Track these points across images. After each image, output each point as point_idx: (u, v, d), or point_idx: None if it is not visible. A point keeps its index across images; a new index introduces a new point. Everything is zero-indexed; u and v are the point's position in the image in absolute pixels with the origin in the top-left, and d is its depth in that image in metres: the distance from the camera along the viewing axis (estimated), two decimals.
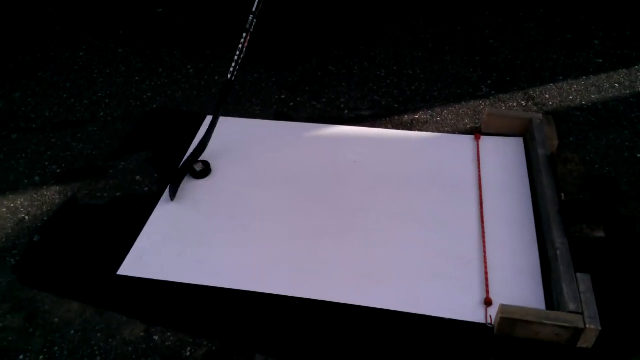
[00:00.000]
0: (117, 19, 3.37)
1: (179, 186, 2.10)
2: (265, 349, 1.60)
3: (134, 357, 1.60)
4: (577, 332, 1.52)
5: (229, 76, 2.07)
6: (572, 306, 1.55)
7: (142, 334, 1.66)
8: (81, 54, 3.06)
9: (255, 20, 2.03)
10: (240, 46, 2.04)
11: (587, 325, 1.51)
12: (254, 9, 2.03)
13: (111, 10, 3.47)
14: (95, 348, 1.63)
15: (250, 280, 1.78)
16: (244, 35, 2.06)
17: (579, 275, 1.64)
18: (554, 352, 1.57)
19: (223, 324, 1.68)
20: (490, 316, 1.63)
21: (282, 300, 1.72)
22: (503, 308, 1.56)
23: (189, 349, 1.61)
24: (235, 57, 2.06)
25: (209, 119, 2.50)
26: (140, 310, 1.72)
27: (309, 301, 1.71)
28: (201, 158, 2.20)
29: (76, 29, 3.28)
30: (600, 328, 1.50)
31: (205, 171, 2.17)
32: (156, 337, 1.65)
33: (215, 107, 2.19)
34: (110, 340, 1.65)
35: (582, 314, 1.53)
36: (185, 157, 2.21)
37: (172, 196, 2.06)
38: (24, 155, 2.36)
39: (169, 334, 1.65)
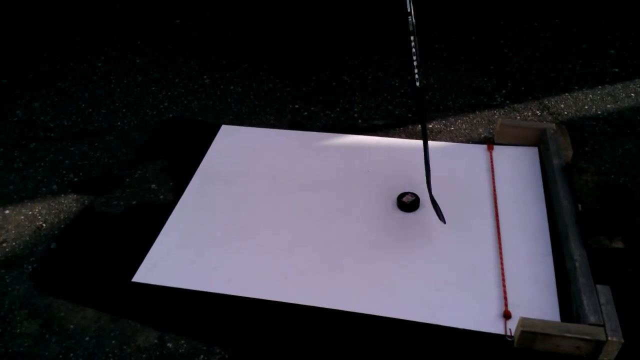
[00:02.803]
0: (135, 30, 3.42)
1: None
2: (279, 358, 1.60)
3: None
4: (599, 345, 1.50)
5: (417, 83, 2.02)
6: (593, 318, 1.53)
7: (155, 341, 1.67)
8: (99, 64, 3.11)
9: (414, 20, 1.98)
10: (413, 50, 2.00)
11: (609, 338, 1.48)
12: (408, 10, 1.99)
13: (129, 21, 3.53)
14: (110, 355, 1.64)
15: (264, 289, 1.78)
16: (412, 38, 2.01)
17: (598, 287, 1.61)
18: None
19: (236, 331, 1.68)
20: (510, 329, 1.61)
21: (296, 309, 1.72)
22: (524, 321, 1.54)
23: (202, 356, 1.62)
24: (415, 63, 2.01)
25: (224, 128, 2.53)
26: (154, 318, 1.73)
27: (323, 310, 1.71)
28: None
29: (95, 40, 3.34)
30: (622, 340, 1.48)
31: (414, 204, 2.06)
32: (170, 345, 1.65)
33: (418, 115, 2.05)
34: (125, 347, 1.66)
35: (603, 326, 1.51)
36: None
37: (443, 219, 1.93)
38: (42, 164, 2.39)
39: (182, 341, 1.66)
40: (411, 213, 2.03)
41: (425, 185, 1.96)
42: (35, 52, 3.23)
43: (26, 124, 2.65)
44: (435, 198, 1.97)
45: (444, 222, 1.90)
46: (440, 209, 1.92)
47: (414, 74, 1.97)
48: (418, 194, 2.06)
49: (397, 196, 2.07)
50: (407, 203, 2.04)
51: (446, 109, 2.59)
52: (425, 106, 2.00)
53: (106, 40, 3.33)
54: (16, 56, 3.21)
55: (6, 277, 1.89)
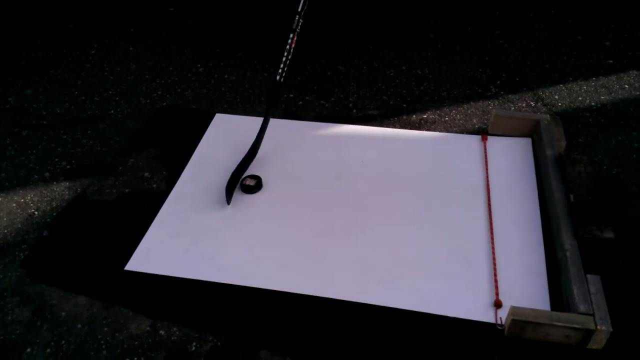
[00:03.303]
0: (129, 18, 3.39)
1: (233, 191, 2.06)
2: (271, 345, 1.61)
3: (139, 351, 1.61)
4: (588, 334, 1.51)
5: (278, 77, 2.05)
6: (582, 307, 1.54)
7: (148, 328, 1.67)
8: (92, 51, 3.09)
9: (301, 20, 2.02)
10: (288, 47, 2.03)
11: (598, 327, 1.50)
12: (299, 9, 2.02)
13: (122, 8, 3.50)
14: (102, 342, 1.64)
15: (257, 277, 1.78)
16: (291, 35, 2.04)
17: (589, 276, 1.62)
18: (561, 353, 1.56)
19: (229, 319, 1.69)
20: (500, 318, 1.62)
21: (289, 297, 1.73)
22: (514, 310, 1.55)
23: (194, 344, 1.62)
24: (283, 59, 2.05)
25: (218, 117, 2.52)
26: (146, 305, 1.73)
27: (316, 298, 1.72)
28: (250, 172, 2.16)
29: (88, 27, 3.31)
30: (611, 329, 1.49)
31: (258, 186, 2.11)
32: (162, 332, 1.66)
33: (265, 109, 2.18)
34: (117, 334, 1.66)
35: (592, 315, 1.52)
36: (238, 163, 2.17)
37: (228, 201, 2.03)
38: (34, 152, 2.38)
39: (174, 328, 1.66)
40: (404, 202, 2.03)
41: None
42: (28, 39, 3.20)
43: (18, 112, 2.63)
44: (431, 187, 1.98)
45: (228, 203, 2.01)
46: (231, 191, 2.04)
47: (279, 68, 2.08)
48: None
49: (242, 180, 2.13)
50: (251, 186, 2.10)
51: (441, 100, 2.59)
52: (275, 101, 2.17)
53: (99, 28, 3.30)
54: (8, 43, 3.18)
55: None
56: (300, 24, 2.02)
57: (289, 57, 2.05)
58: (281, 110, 2.57)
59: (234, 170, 2.12)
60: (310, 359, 1.58)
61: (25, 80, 2.86)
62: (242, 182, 2.10)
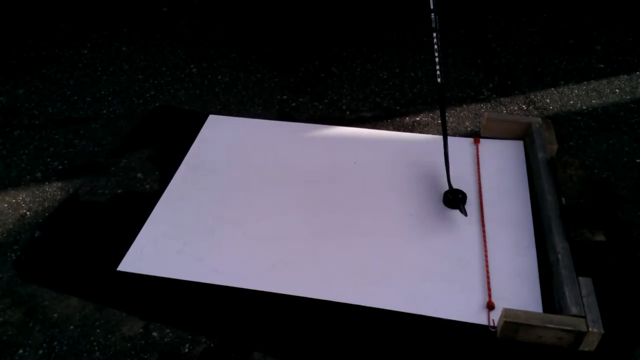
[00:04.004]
0: (122, 17, 3.38)
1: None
2: (264, 347, 1.61)
3: (132, 353, 1.60)
4: (580, 336, 1.53)
5: (439, 80, 2.03)
6: (574, 310, 1.55)
7: (141, 330, 1.66)
8: (85, 51, 3.07)
9: (437, 17, 2.00)
10: (436, 47, 2.01)
11: (590, 329, 1.51)
12: (431, 7, 2.00)
13: (115, 8, 3.49)
14: (95, 343, 1.63)
15: (250, 279, 1.78)
16: (434, 35, 2.02)
17: (580, 279, 1.64)
18: (553, 355, 1.57)
19: (222, 321, 1.68)
20: (493, 320, 1.63)
21: (282, 299, 1.73)
22: (507, 312, 1.56)
23: (187, 345, 1.62)
24: (437, 60, 2.02)
25: (211, 118, 2.52)
26: (139, 307, 1.73)
27: (309, 300, 1.72)
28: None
29: (80, 27, 3.30)
30: (602, 331, 1.51)
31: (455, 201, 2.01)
32: (155, 334, 1.65)
33: (440, 114, 2.08)
34: (109, 336, 1.65)
35: (584, 317, 1.54)
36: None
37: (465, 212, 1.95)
38: (26, 152, 2.37)
39: (167, 330, 1.66)
40: (396, 205, 2.04)
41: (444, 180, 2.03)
42: (20, 38, 3.18)
43: (10, 111, 2.61)
44: (424, 189, 1.99)
45: (465, 214, 1.93)
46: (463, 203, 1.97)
47: (436, 70, 2.01)
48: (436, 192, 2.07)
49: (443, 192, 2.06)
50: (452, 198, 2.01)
51: (434, 102, 2.60)
52: (444, 102, 2.05)
53: (92, 27, 3.29)
54: (0, 42, 3.15)
55: None
56: (437, 21, 1.99)
57: (440, 55, 2.02)
58: (274, 112, 2.57)
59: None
60: None
61: (17, 79, 2.84)
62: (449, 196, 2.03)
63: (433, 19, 1.98)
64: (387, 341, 1.62)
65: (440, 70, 2.03)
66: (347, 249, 1.88)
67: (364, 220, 1.98)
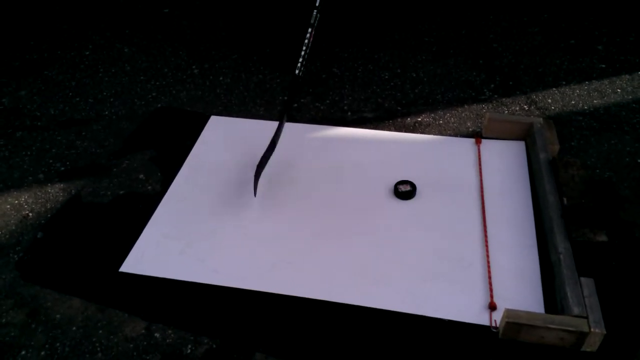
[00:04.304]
0: (123, 19, 3.39)
1: (257, 183, 2.06)
2: (266, 348, 1.61)
3: (134, 354, 1.61)
4: (582, 336, 1.52)
5: (297, 72, 2.05)
6: (576, 310, 1.55)
7: (143, 331, 1.67)
8: (87, 52, 3.08)
9: (318, 15, 2.02)
10: (306, 41, 2.03)
11: (592, 329, 1.51)
12: (317, 4, 2.02)
13: (117, 9, 3.49)
14: (97, 344, 1.64)
15: (252, 279, 1.79)
16: (309, 30, 2.04)
17: (582, 279, 1.64)
18: (555, 355, 1.57)
19: (224, 322, 1.69)
20: (495, 320, 1.63)
21: (284, 300, 1.73)
22: (509, 312, 1.56)
23: (189, 346, 1.62)
24: (302, 53, 2.04)
25: (213, 119, 2.52)
26: (141, 308, 1.73)
27: (311, 301, 1.72)
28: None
29: (82, 28, 3.30)
30: (604, 332, 1.51)
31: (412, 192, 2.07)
32: (157, 335, 1.65)
33: (284, 103, 2.15)
34: (112, 337, 1.65)
35: (586, 317, 1.54)
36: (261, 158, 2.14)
37: (255, 192, 2.04)
38: (28, 153, 2.37)
39: (170, 331, 1.66)
40: (398, 205, 2.04)
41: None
42: (22, 40, 3.19)
43: (12, 113, 2.62)
44: (425, 189, 1.99)
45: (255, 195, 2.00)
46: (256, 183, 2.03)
47: (298, 62, 2.08)
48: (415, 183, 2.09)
49: (394, 184, 2.10)
50: (403, 192, 2.06)
51: (435, 103, 2.60)
52: (294, 95, 2.17)
53: (94, 29, 3.30)
54: (2, 44, 3.16)
55: None
56: (317, 18, 2.02)
57: (308, 51, 2.05)
58: (276, 112, 2.57)
59: (258, 164, 2.09)
60: None
61: (20, 81, 2.84)
62: (397, 187, 2.08)
63: (314, 15, 2.04)
64: (389, 342, 1.62)
65: (302, 64, 2.08)
66: (348, 250, 1.88)
67: (365, 221, 1.98)
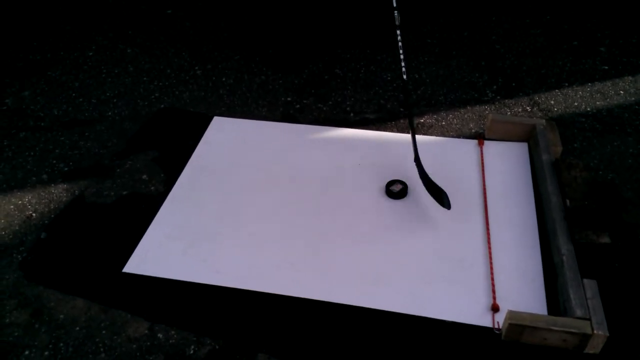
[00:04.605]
0: (127, 20, 3.39)
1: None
2: (268, 349, 1.61)
3: (137, 354, 1.61)
4: (585, 338, 1.52)
5: (404, 77, 2.05)
6: (579, 312, 1.55)
7: (146, 331, 1.67)
8: (90, 53, 3.08)
9: (399, 15, 2.02)
10: (400, 44, 2.02)
11: (595, 331, 1.51)
12: (394, 5, 2.01)
13: (120, 10, 3.50)
14: (100, 345, 1.64)
15: (254, 280, 1.79)
16: (398, 32, 2.03)
17: (585, 281, 1.64)
18: (558, 357, 1.57)
19: (227, 323, 1.69)
20: (498, 322, 1.63)
21: (286, 301, 1.73)
22: (511, 314, 1.56)
23: (192, 347, 1.62)
24: (401, 57, 2.03)
25: (216, 120, 2.52)
26: (144, 308, 1.73)
27: (313, 302, 1.72)
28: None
29: (86, 29, 3.31)
30: (607, 334, 1.51)
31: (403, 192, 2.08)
32: (160, 335, 1.66)
33: (406, 110, 2.10)
34: (115, 337, 1.66)
35: (589, 319, 1.54)
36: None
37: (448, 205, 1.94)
38: (32, 153, 2.38)
39: (172, 332, 1.67)
40: (401, 205, 2.04)
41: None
42: (25, 41, 3.20)
43: (16, 113, 2.62)
44: (425, 190, 1.99)
45: (449, 207, 1.92)
46: (442, 194, 1.95)
47: (402, 67, 2.03)
48: (407, 183, 2.09)
49: (385, 184, 2.11)
50: (395, 192, 2.06)
51: (438, 104, 2.61)
52: (412, 98, 2.05)
53: (97, 30, 3.30)
54: (6, 44, 3.17)
55: None
56: (399, 18, 2.01)
57: (403, 52, 2.04)
58: (279, 113, 2.58)
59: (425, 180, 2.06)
60: None
61: (23, 81, 2.85)
62: (388, 187, 2.09)
63: (396, 17, 2.01)
64: (391, 343, 1.62)
65: (405, 67, 2.04)
66: (351, 251, 1.88)
67: (367, 222, 1.99)
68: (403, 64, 2.04)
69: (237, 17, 3.40)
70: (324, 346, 1.62)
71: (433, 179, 2.02)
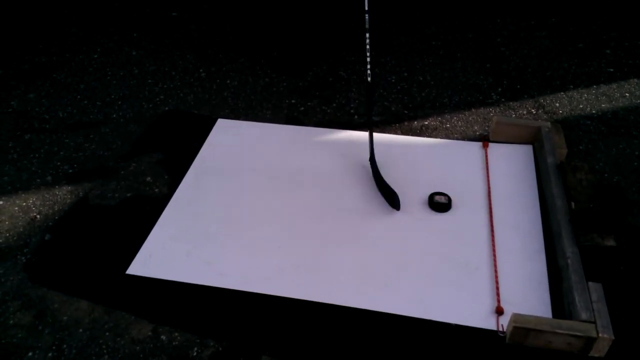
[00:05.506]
0: (132, 22, 3.41)
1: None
2: (272, 351, 1.61)
3: (141, 356, 1.61)
4: (590, 341, 1.51)
5: (369, 79, 2.07)
6: (584, 315, 1.54)
7: (149, 333, 1.67)
8: (95, 56, 3.10)
9: (368, 18, 2.04)
10: (368, 47, 2.04)
11: (600, 335, 1.50)
12: (366, 8, 2.03)
13: (126, 13, 3.51)
14: (104, 347, 1.64)
15: (258, 282, 1.79)
16: (367, 35, 2.05)
17: (590, 284, 1.63)
18: None
19: (230, 325, 1.69)
20: (502, 325, 1.62)
21: (290, 303, 1.73)
22: (516, 317, 1.55)
23: (196, 349, 1.62)
24: (368, 59, 2.05)
25: (220, 122, 2.53)
26: (148, 310, 1.73)
27: (317, 304, 1.72)
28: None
29: (91, 32, 3.32)
30: (613, 337, 1.49)
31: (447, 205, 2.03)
32: (163, 337, 1.66)
33: (366, 110, 2.15)
34: (118, 339, 1.66)
35: (594, 323, 1.53)
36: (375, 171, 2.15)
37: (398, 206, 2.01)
38: (36, 155, 2.39)
39: (176, 333, 1.66)
40: (407, 209, 2.03)
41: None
42: (31, 43, 3.21)
43: (21, 115, 2.63)
44: (429, 193, 1.99)
45: (398, 208, 2.00)
46: (394, 195, 2.01)
47: (367, 69, 2.06)
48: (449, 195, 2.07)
49: (428, 195, 2.07)
50: (440, 203, 2.03)
51: (442, 106, 2.60)
52: (373, 100, 2.15)
53: (102, 32, 3.32)
54: (11, 47, 3.19)
55: (0, 268, 1.89)
56: (368, 21, 2.03)
57: (370, 55, 2.06)
58: (283, 116, 2.58)
59: (377, 180, 2.11)
60: None
61: (28, 84, 2.86)
62: (432, 199, 2.05)
63: (366, 20, 2.04)
64: (396, 346, 1.61)
65: (369, 69, 2.06)
66: (355, 253, 1.87)
67: (372, 225, 1.98)
68: (369, 66, 2.08)
69: (241, 19, 3.41)
70: (328, 349, 1.61)
71: (386, 181, 2.07)
